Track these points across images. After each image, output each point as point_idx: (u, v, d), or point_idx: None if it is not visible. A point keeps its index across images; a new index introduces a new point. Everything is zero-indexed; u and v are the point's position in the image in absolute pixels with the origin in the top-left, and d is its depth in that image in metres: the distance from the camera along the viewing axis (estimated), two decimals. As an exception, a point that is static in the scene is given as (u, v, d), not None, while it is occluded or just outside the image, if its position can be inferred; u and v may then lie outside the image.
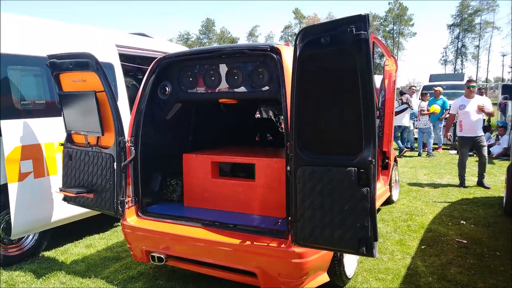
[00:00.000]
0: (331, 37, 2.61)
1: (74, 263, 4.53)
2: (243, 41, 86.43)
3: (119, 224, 5.77)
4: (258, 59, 3.64)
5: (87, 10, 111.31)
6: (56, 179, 4.62)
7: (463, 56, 71.04)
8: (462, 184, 7.95)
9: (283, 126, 7.68)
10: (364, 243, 2.67)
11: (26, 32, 4.64)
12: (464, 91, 12.85)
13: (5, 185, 4.23)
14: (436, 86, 13.98)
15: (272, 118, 6.68)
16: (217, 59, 3.81)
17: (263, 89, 3.68)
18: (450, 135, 8.46)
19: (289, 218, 3.01)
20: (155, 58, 6.65)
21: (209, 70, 3.89)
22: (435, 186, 8.18)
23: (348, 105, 2.68)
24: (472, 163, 9.45)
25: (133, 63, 6.97)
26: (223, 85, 3.86)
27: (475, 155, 10.46)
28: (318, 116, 2.83)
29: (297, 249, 3.06)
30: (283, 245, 3.15)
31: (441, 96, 12.80)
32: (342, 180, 2.71)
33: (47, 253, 4.84)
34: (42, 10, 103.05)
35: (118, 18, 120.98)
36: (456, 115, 7.96)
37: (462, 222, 5.68)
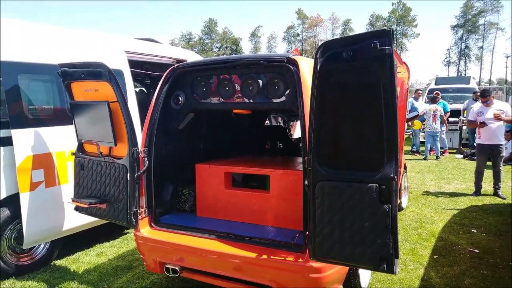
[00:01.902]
0: (354, 52, 2.58)
1: (86, 272, 4.51)
2: (245, 41, 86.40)
3: (129, 231, 5.78)
4: (274, 70, 3.61)
5: (88, 14, 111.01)
6: (67, 188, 4.61)
7: (466, 58, 70.86)
8: (477, 192, 7.83)
9: (292, 132, 7.69)
10: (385, 260, 2.64)
11: (36, 39, 4.62)
12: (471, 95, 12.90)
13: (17, 195, 4.21)
14: (441, 90, 13.99)
15: (282, 125, 6.65)
16: (232, 69, 3.78)
17: (279, 100, 3.65)
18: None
19: (307, 232, 2.99)
20: (164, 64, 6.81)
21: (224, 81, 3.86)
22: (443, 192, 8.15)
23: (369, 120, 2.65)
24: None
25: (141, 69, 6.96)
26: (238, 96, 3.84)
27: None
28: (338, 130, 2.80)
29: (315, 264, 3.03)
30: (300, 260, 3.12)
31: (440, 100, 12.79)
32: (362, 196, 2.68)
33: (58, 262, 4.82)
34: (48, 17, 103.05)
35: (119, 19, 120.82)
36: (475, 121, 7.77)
37: (473, 230, 5.64)
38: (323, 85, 2.73)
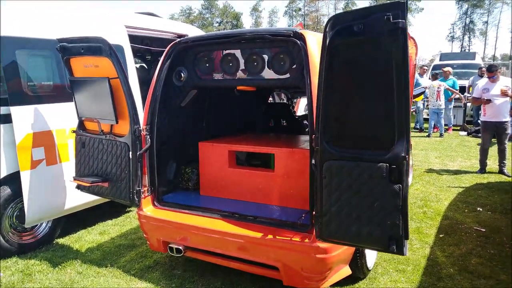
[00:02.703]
0: (365, 25, 2.46)
1: (89, 251, 4.49)
2: (246, 16, 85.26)
3: (132, 209, 5.75)
4: (279, 45, 3.48)
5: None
6: (68, 166, 4.54)
7: (470, 33, 69.79)
8: (481, 170, 7.75)
9: (295, 110, 7.57)
10: (395, 241, 2.59)
11: (34, 14, 4.47)
12: (476, 71, 12.68)
13: (17, 173, 4.14)
14: (445, 66, 13.73)
15: (285, 102, 6.53)
16: (236, 44, 3.65)
17: (285, 76, 3.53)
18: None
19: (313, 212, 2.93)
20: (164, 39, 6.64)
21: (227, 56, 3.74)
22: (447, 170, 8.08)
23: (380, 97, 2.56)
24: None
25: (141, 44, 6.79)
26: (242, 72, 3.72)
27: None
28: (347, 108, 2.71)
29: (322, 244, 2.98)
30: (306, 240, 3.07)
31: (451, 77, 12.57)
32: (372, 176, 2.61)
33: (61, 241, 4.79)
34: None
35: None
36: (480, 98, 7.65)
37: (478, 209, 5.59)
38: (332, 61, 2.63)
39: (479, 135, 11.92)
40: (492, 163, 8.10)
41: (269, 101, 6.68)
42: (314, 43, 3.21)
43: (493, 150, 8.04)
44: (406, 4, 2.35)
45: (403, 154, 2.51)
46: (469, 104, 13.46)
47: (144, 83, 6.13)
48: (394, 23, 2.35)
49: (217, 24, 77.85)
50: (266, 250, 3.27)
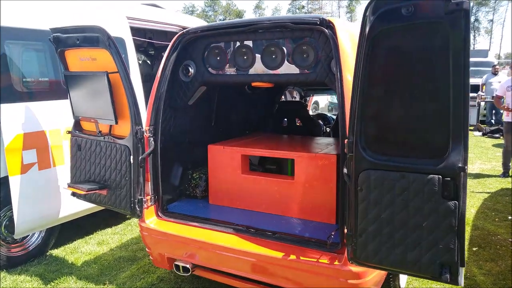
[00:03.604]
0: (417, 7, 2.02)
1: (86, 264, 4.06)
2: (249, 14, 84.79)
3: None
4: (302, 35, 3.03)
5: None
6: (63, 170, 4.11)
7: (475, 31, 69.13)
8: (505, 174, 7.30)
9: (308, 108, 7.13)
10: (448, 269, 2.16)
11: (26, 2, 4.03)
12: (490, 69, 12.23)
13: (6, 178, 3.72)
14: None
15: (299, 100, 6.08)
16: (251, 34, 3.20)
17: (307, 71, 3.08)
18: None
19: (345, 230, 2.49)
20: (168, 31, 6.20)
21: (241, 48, 3.29)
22: (468, 173, 7.61)
23: (433, 94, 2.12)
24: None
25: (144, 38, 6.36)
26: (258, 66, 3.27)
27: (501, 137, 9.88)
28: (390, 107, 2.27)
29: (355, 268, 2.55)
30: (336, 262, 2.63)
31: None
32: (420, 190, 2.18)
33: (55, 252, 4.36)
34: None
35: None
36: (504, 97, 7.21)
37: (510, 217, 5.14)
38: (374, 51, 2.19)
39: (496, 135, 11.57)
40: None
41: (281, 99, 6.22)
42: (345, 32, 2.77)
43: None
44: None
45: (460, 164, 2.08)
46: (482, 103, 12.99)
47: (146, 80, 5.72)
48: (456, 4, 1.91)
49: (220, 21, 77.40)
50: (286, 272, 2.84)
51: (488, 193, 6.28)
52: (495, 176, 7.34)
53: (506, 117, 7.25)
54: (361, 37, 2.21)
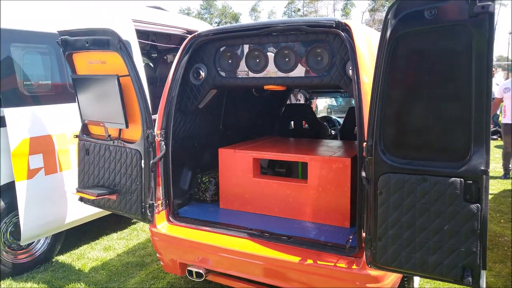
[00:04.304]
0: (440, 10, 2.00)
1: (93, 270, 4.00)
2: (245, 16, 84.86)
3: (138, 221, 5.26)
4: (317, 38, 3.01)
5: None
6: (69, 174, 4.05)
7: (469, 33, 69.61)
8: (506, 175, 7.35)
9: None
10: (470, 272, 2.15)
11: (33, 5, 3.98)
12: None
13: (12, 183, 3.66)
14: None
15: (304, 102, 6.06)
16: (264, 37, 3.18)
17: (321, 74, 3.06)
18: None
19: (363, 234, 2.47)
20: (173, 34, 6.17)
21: (254, 51, 3.26)
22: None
23: (454, 97, 2.12)
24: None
25: (147, 40, 6.32)
26: (271, 69, 3.24)
27: (499, 138, 9.92)
28: (410, 110, 2.26)
29: (373, 272, 2.53)
30: (354, 266, 2.60)
31: None
32: (442, 193, 2.17)
33: (61, 258, 4.30)
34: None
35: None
36: (502, 99, 7.26)
37: (516, 219, 5.16)
38: (395, 54, 2.18)
39: (494, 137, 11.61)
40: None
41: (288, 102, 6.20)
42: (361, 35, 2.75)
43: None
44: None
45: (482, 168, 2.06)
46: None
47: (149, 82, 5.68)
48: (482, 7, 1.90)
49: (216, 24, 77.37)
50: (303, 277, 2.81)
51: (491, 194, 6.30)
52: (497, 177, 7.37)
53: (504, 119, 7.30)
54: (382, 39, 2.19)
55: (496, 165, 8.10)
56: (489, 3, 1.90)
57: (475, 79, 2.01)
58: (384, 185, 2.32)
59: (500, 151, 8.27)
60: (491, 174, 6.85)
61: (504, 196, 6.19)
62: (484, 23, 1.94)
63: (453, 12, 2.00)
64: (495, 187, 6.75)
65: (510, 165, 7.39)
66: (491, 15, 1.93)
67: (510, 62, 27.12)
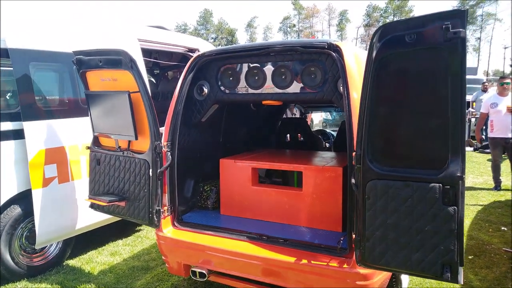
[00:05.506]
0: (419, 35, 2.31)
1: (102, 273, 4.24)
2: (241, 32, 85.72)
3: (142, 228, 5.52)
4: (311, 57, 3.32)
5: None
6: (80, 184, 4.32)
7: (464, 49, 70.36)
8: (496, 187, 7.61)
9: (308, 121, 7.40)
10: (449, 268, 2.40)
11: (48, 26, 4.30)
12: (479, 86, 12.62)
13: (29, 191, 3.93)
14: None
15: (299, 116, 6.36)
16: (263, 57, 3.49)
17: (315, 90, 3.36)
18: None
19: (353, 235, 2.74)
20: (174, 52, 6.49)
21: (253, 69, 3.57)
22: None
23: (433, 112, 2.39)
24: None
25: (149, 57, 6.64)
26: (268, 86, 3.55)
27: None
28: (394, 123, 2.54)
29: (363, 270, 2.78)
30: (345, 265, 2.86)
31: None
32: (423, 197, 2.43)
33: (71, 262, 4.55)
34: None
35: (111, 5, 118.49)
36: (488, 114, 7.57)
37: (503, 228, 5.41)
38: (380, 73, 2.46)
39: (486, 150, 11.90)
40: (505, 179, 7.93)
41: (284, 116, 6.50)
42: (351, 55, 3.06)
43: (505, 165, 7.89)
44: (467, 13, 2.21)
45: (458, 174, 2.34)
46: (473, 120, 13.38)
47: (152, 97, 5.97)
48: (454, 32, 2.20)
49: (212, 40, 78.29)
50: (298, 276, 3.05)
51: (481, 205, 6.56)
52: (487, 189, 7.64)
53: (490, 133, 7.56)
54: (368, 60, 2.49)
55: (488, 178, 8.37)
56: (461, 29, 2.20)
57: (451, 96, 2.30)
58: (371, 190, 2.58)
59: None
60: (483, 186, 7.19)
61: (493, 207, 6.45)
62: (457, 46, 2.23)
63: (430, 37, 2.29)
64: (485, 198, 7.01)
65: (500, 177, 7.66)
66: (462, 40, 2.22)
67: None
